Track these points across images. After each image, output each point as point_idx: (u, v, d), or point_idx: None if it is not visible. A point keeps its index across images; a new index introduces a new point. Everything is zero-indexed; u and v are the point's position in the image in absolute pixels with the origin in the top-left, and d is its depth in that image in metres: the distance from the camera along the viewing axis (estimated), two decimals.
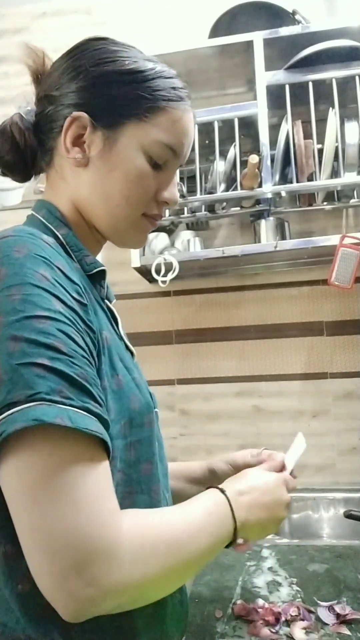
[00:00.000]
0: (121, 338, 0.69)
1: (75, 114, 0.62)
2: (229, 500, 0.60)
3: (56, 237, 0.62)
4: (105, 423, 0.51)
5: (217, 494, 0.62)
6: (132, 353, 0.70)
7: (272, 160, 1.46)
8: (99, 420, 0.49)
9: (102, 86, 0.62)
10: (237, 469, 0.80)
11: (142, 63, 0.63)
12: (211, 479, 0.83)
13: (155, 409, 0.69)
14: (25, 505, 0.46)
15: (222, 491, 0.62)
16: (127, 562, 0.47)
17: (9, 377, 0.46)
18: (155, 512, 0.58)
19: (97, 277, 0.65)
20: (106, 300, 0.69)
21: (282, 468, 0.75)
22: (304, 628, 0.77)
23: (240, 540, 0.65)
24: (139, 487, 0.60)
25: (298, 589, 0.90)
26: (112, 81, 0.62)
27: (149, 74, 0.63)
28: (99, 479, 0.48)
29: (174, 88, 0.64)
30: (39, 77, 0.68)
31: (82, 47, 0.65)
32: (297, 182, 1.42)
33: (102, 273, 0.66)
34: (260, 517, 0.64)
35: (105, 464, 0.50)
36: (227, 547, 0.61)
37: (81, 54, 0.64)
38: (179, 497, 0.81)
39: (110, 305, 0.70)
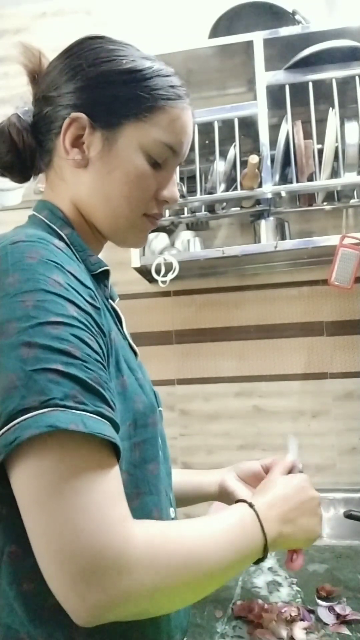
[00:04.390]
0: (125, 338, 0.69)
1: (74, 115, 0.62)
2: (257, 515, 0.59)
3: (61, 238, 0.62)
4: (116, 427, 0.50)
5: (245, 508, 0.60)
6: (135, 353, 0.70)
7: (272, 161, 1.46)
8: (111, 424, 0.49)
9: (100, 86, 0.62)
10: (246, 480, 0.80)
11: (139, 62, 0.63)
12: (222, 497, 0.81)
13: (160, 408, 0.69)
14: (36, 511, 0.46)
15: (251, 505, 0.60)
16: (137, 570, 0.46)
17: (23, 383, 0.46)
18: (174, 523, 0.57)
19: (101, 277, 0.66)
20: (110, 300, 0.69)
21: (292, 468, 0.74)
22: (304, 628, 0.77)
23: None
24: (147, 487, 0.60)
25: (298, 589, 0.90)
26: (110, 81, 0.62)
27: (146, 72, 0.62)
28: (109, 485, 0.48)
29: (172, 86, 0.64)
30: (35, 77, 0.67)
31: (79, 46, 0.65)
32: (297, 182, 1.42)
33: (106, 273, 0.67)
34: (296, 526, 0.63)
35: (116, 469, 0.50)
36: (257, 563, 0.60)
37: (78, 54, 0.64)
38: (190, 487, 0.83)
39: (114, 305, 0.70)
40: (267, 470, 0.78)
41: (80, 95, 0.62)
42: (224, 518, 0.58)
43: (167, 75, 0.64)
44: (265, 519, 0.59)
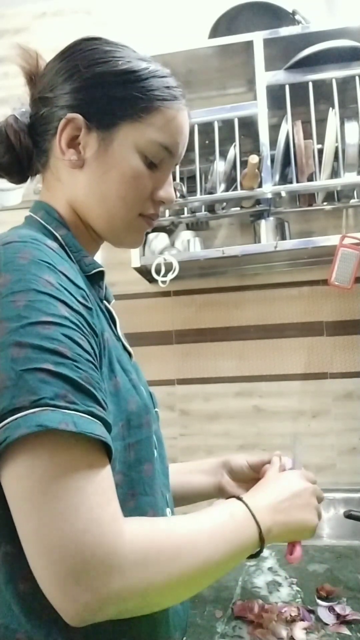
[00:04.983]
0: (119, 339, 0.69)
1: (70, 115, 0.62)
2: (248, 507, 0.60)
3: (55, 239, 0.62)
4: (108, 426, 0.51)
5: (235, 501, 0.61)
6: (129, 354, 0.70)
7: (272, 161, 1.46)
8: (102, 423, 0.49)
9: (95, 87, 0.62)
10: (238, 479, 0.82)
11: (135, 63, 0.63)
12: (222, 472, 0.84)
13: (155, 409, 0.69)
14: (27, 510, 0.46)
15: (240, 499, 0.61)
16: (128, 570, 0.47)
17: (14, 383, 0.46)
18: (162, 519, 0.57)
19: (95, 278, 0.66)
20: (105, 301, 0.69)
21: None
22: (304, 628, 0.77)
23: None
24: (142, 488, 0.60)
25: (298, 589, 0.90)
26: (106, 82, 0.62)
27: (142, 73, 0.63)
28: (100, 485, 0.48)
29: (167, 87, 0.64)
30: (32, 78, 0.68)
31: (75, 47, 0.65)
32: (297, 182, 1.42)
33: (101, 274, 0.67)
34: (290, 516, 0.63)
35: (107, 469, 0.50)
36: (254, 556, 0.60)
37: (74, 55, 0.64)
38: (189, 489, 0.84)
39: (109, 306, 0.70)
40: (254, 467, 0.81)
41: (76, 96, 0.63)
42: (215, 512, 0.59)
43: (163, 76, 0.64)
44: (256, 509, 0.60)
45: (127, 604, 0.48)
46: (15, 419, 0.45)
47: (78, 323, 0.52)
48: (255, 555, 0.61)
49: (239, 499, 0.61)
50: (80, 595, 0.44)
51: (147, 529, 0.51)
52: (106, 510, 0.47)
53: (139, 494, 0.59)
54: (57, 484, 0.45)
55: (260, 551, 0.60)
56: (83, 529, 0.45)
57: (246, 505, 0.60)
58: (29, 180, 0.71)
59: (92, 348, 0.54)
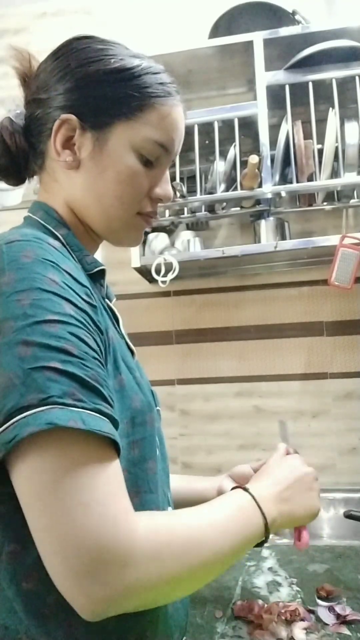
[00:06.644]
0: (122, 337, 0.69)
1: (64, 116, 0.62)
2: (253, 497, 0.61)
3: (56, 238, 0.62)
4: (115, 423, 0.51)
5: (241, 492, 0.62)
6: (132, 352, 0.70)
7: (272, 161, 1.46)
8: (110, 420, 0.50)
9: (88, 87, 0.62)
10: (240, 482, 0.81)
11: (128, 60, 0.63)
12: (224, 478, 0.84)
13: (157, 408, 0.70)
14: (38, 508, 0.46)
15: (245, 489, 0.62)
16: (142, 563, 0.47)
17: (22, 382, 0.46)
18: (173, 512, 0.58)
19: (97, 277, 0.66)
20: (106, 300, 0.69)
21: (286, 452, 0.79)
22: (304, 628, 0.77)
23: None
24: (146, 485, 0.60)
25: (298, 589, 0.90)
26: (99, 81, 0.62)
27: (135, 71, 0.62)
28: (110, 480, 0.48)
29: (161, 83, 0.63)
30: (26, 79, 0.67)
31: (67, 47, 0.64)
32: (297, 182, 1.42)
33: (102, 272, 0.67)
34: (294, 504, 0.65)
35: (117, 464, 0.50)
36: (259, 545, 0.61)
37: (66, 55, 0.64)
38: (190, 491, 0.84)
39: (111, 305, 0.70)
40: (257, 469, 0.80)
41: (69, 97, 0.62)
42: (223, 504, 0.59)
43: (157, 73, 0.64)
44: (261, 500, 0.61)
45: (142, 596, 0.48)
46: (24, 417, 0.45)
47: (83, 321, 0.52)
48: (260, 544, 0.62)
49: (245, 489, 0.62)
50: (96, 590, 0.45)
51: (159, 523, 0.52)
52: (118, 505, 0.48)
53: (142, 492, 0.60)
54: (68, 481, 0.46)
55: (266, 540, 0.61)
56: (96, 524, 0.45)
57: (252, 496, 0.61)
58: (26, 181, 0.71)
59: (98, 346, 0.54)
